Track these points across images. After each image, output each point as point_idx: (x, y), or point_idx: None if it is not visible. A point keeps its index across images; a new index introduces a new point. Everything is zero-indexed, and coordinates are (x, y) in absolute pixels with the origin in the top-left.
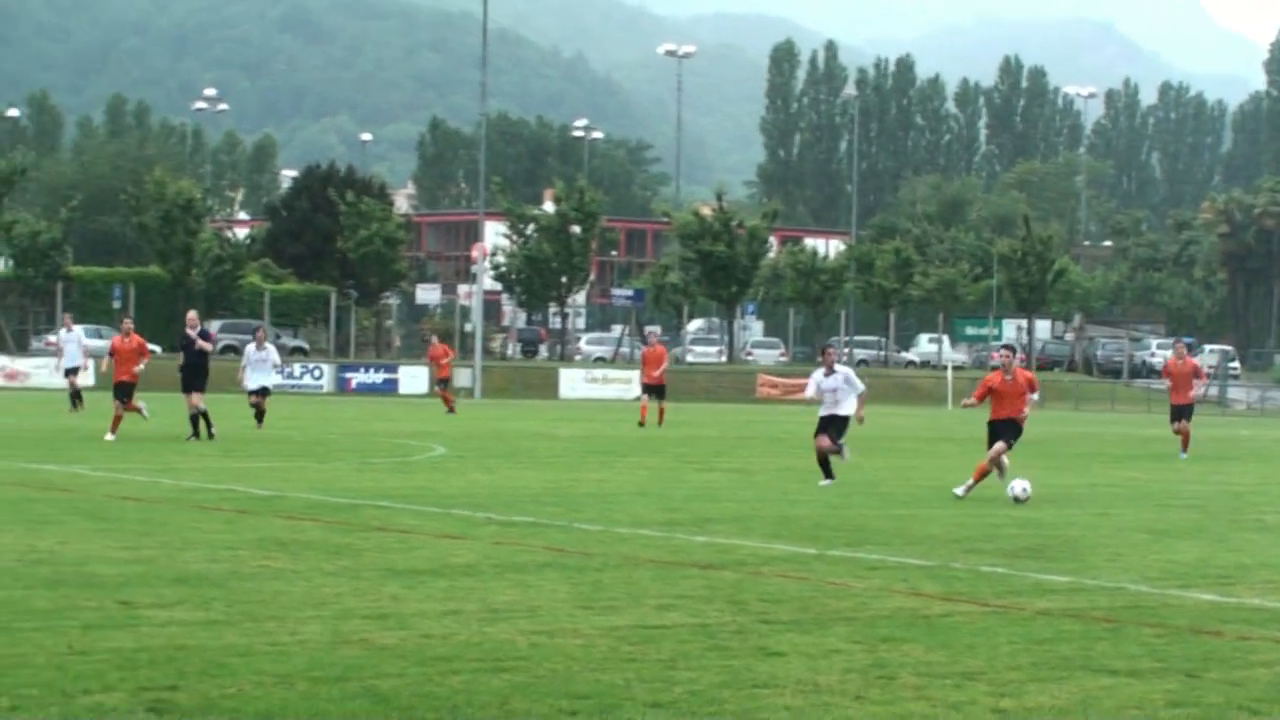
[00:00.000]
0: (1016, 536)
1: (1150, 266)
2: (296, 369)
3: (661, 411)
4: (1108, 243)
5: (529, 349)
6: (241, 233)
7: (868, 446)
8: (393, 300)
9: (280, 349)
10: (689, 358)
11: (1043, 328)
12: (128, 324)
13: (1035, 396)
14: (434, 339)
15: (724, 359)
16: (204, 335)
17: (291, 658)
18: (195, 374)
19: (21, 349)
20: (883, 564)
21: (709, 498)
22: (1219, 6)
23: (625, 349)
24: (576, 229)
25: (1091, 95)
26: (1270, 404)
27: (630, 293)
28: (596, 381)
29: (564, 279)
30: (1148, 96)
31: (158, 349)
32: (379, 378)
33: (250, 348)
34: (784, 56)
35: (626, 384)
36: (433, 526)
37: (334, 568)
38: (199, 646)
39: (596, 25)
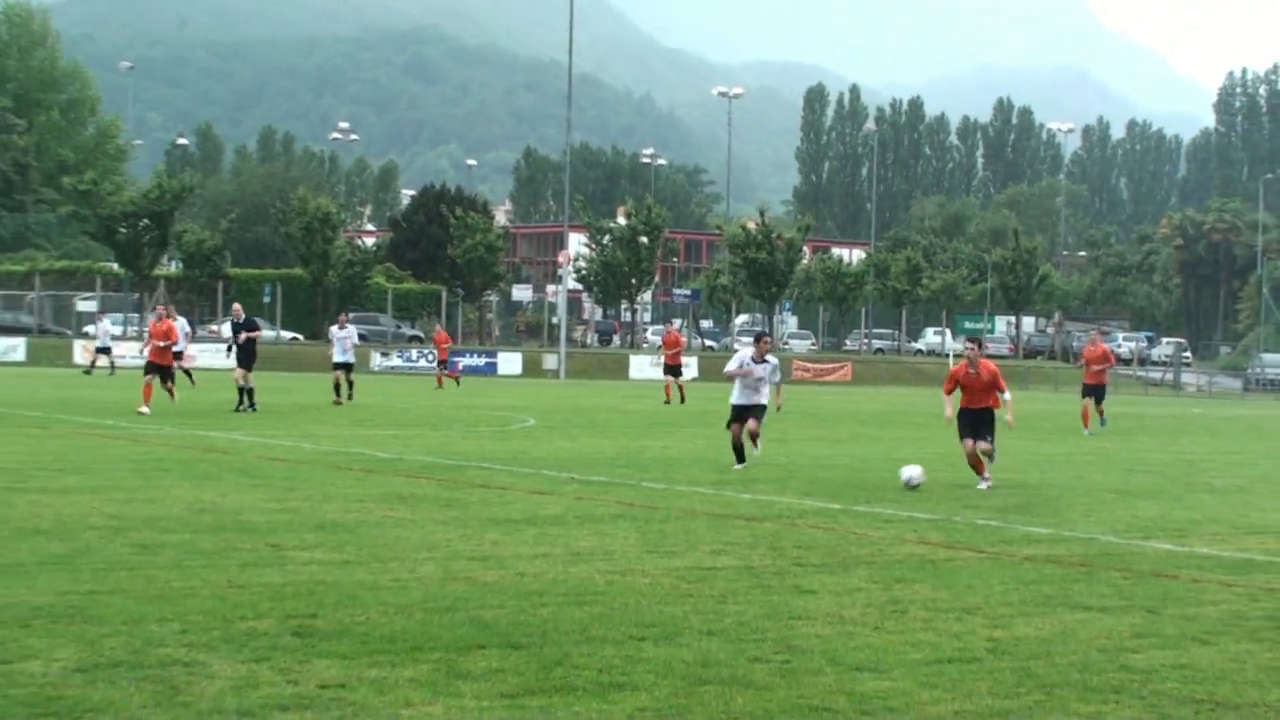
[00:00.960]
0: (1006, 495)
1: (1118, 273)
2: (413, 353)
3: (681, 388)
4: (1082, 253)
5: (604, 338)
6: (369, 241)
7: (884, 420)
8: (492, 297)
9: (399, 336)
10: (735, 346)
11: (1028, 323)
12: (160, 309)
13: (1007, 397)
14: (437, 327)
15: None
16: (249, 325)
17: (410, 591)
18: (243, 356)
19: (189, 336)
20: (896, 518)
21: (752, 462)
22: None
23: (685, 338)
24: (644, 239)
25: (1070, 130)
26: (1216, 387)
27: (688, 292)
28: (660, 365)
29: (633, 280)
30: (1117, 132)
31: (297, 335)
32: (481, 361)
33: (334, 328)
34: (815, 97)
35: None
36: (525, 484)
37: (444, 518)
38: (334, 582)
39: (662, 71)
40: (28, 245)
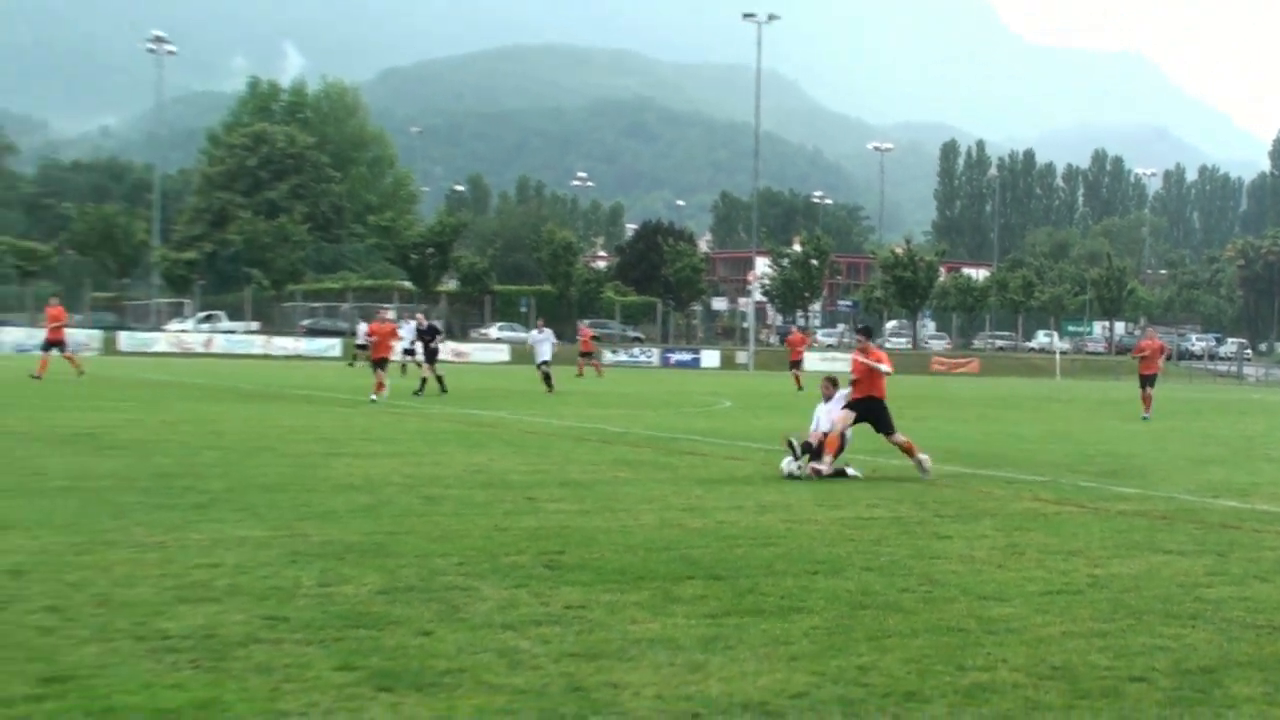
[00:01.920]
0: (1103, 462)
1: (1191, 286)
2: (636, 350)
3: (798, 379)
4: (1163, 271)
5: (784, 338)
6: (601, 264)
7: (1004, 404)
8: (697, 307)
9: (624, 339)
10: (886, 345)
11: (1120, 327)
12: (382, 313)
13: (886, 368)
14: (581, 325)
15: (910, 346)
16: (431, 332)
17: (633, 535)
18: (429, 353)
19: (464, 338)
20: (1016, 479)
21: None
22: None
23: (847, 339)
24: (814, 262)
25: (1153, 175)
26: (1272, 378)
27: (849, 303)
28: (827, 360)
29: (806, 294)
30: (1190, 175)
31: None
32: (688, 356)
33: (533, 331)
34: (950, 150)
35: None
36: (723, 451)
37: (661, 478)
38: (577, 527)
39: (829, 130)
40: (342, 268)
